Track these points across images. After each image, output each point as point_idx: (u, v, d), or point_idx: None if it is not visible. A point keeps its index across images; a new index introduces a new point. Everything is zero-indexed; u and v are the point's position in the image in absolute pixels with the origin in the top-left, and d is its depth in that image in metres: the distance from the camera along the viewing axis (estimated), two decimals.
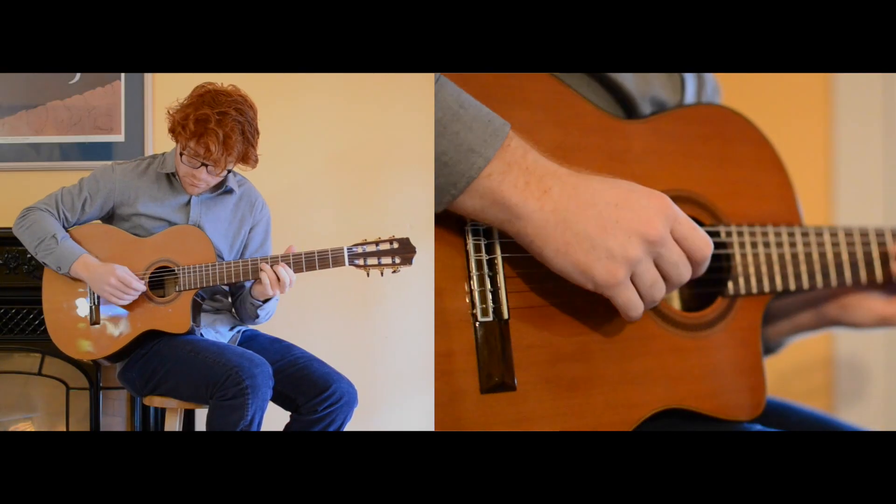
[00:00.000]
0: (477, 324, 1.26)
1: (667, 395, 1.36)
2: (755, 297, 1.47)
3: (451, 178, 1.18)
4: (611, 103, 1.44)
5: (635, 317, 1.27)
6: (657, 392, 1.35)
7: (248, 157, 1.94)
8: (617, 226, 1.21)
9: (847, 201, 2.44)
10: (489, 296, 1.27)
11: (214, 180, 1.97)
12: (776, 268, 1.49)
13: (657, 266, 1.27)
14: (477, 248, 1.29)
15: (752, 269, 1.47)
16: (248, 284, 2.06)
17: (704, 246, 1.28)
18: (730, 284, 1.45)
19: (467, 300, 1.27)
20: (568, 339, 1.31)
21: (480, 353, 1.25)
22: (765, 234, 1.49)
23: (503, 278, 1.28)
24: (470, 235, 1.28)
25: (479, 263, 1.28)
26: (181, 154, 1.92)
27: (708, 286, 1.45)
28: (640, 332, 1.36)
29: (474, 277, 1.27)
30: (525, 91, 1.32)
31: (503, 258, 1.29)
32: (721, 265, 1.45)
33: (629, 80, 1.43)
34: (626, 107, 1.45)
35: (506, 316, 1.27)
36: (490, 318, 1.27)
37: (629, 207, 1.22)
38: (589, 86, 1.42)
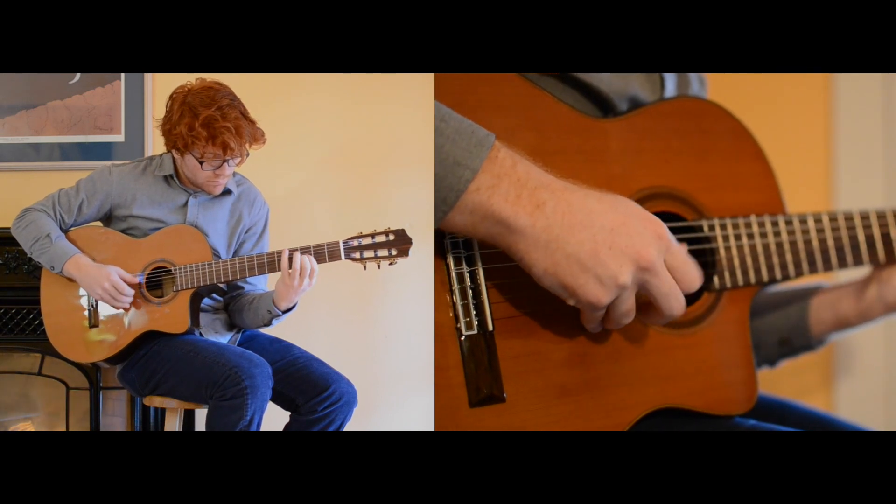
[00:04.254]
0: (462, 338, 1.25)
1: (658, 394, 1.35)
2: (742, 290, 1.46)
3: (440, 194, 1.16)
4: (585, 104, 1.42)
5: (590, 330, 1.29)
6: (648, 393, 1.34)
7: (256, 136, 1.93)
8: (609, 252, 1.20)
9: (848, 201, 2.43)
10: (472, 308, 1.26)
11: (233, 169, 1.97)
12: (761, 258, 1.47)
13: (647, 292, 1.25)
14: (457, 261, 1.27)
15: (737, 262, 1.45)
16: (257, 289, 2.06)
17: (694, 280, 1.27)
18: (715, 279, 1.44)
19: (451, 314, 1.25)
20: (555, 346, 1.29)
21: (467, 367, 1.24)
22: (748, 226, 1.47)
23: (485, 289, 1.27)
24: (449, 248, 1.27)
25: (460, 276, 1.26)
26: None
27: None
28: (628, 334, 1.34)
29: (456, 291, 1.26)
30: (498, 96, 1.29)
31: (484, 269, 1.28)
32: (706, 260, 1.44)
33: (605, 80, 1.41)
34: (602, 106, 1.43)
35: (490, 327, 1.26)
36: (475, 331, 1.25)
37: (625, 233, 1.20)
38: (563, 89, 1.40)
